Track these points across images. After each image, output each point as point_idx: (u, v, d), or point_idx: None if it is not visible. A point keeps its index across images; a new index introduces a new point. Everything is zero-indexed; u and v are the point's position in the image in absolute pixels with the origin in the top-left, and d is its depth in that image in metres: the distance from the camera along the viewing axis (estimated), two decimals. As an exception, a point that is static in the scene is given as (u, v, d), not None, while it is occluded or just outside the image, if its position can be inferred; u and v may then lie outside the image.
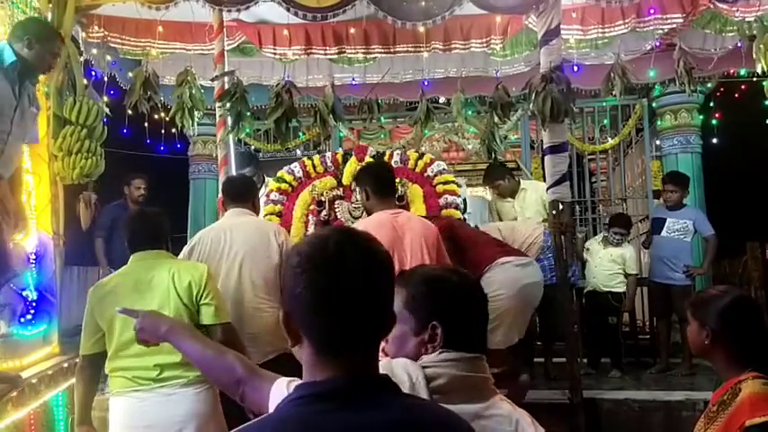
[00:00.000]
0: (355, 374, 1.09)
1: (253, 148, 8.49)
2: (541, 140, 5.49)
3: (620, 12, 5.35)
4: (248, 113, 5.32)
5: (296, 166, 5.03)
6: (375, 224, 3.41)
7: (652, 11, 5.25)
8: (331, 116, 5.60)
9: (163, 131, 6.69)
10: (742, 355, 2.03)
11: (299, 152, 8.58)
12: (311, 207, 4.92)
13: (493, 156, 5.47)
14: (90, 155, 4.27)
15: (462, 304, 1.54)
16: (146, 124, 6.19)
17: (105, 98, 5.05)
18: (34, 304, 3.59)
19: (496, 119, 5.62)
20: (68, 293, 4.19)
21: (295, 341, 1.12)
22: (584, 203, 8.49)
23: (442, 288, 1.55)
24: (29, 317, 3.54)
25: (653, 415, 4.29)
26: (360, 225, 3.54)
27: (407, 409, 1.11)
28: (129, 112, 5.46)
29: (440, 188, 4.84)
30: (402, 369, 1.44)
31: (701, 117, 7.95)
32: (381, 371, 1.41)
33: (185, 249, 3.58)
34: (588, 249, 5.94)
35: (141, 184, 6.03)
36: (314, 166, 5.01)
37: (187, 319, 2.79)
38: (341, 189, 4.94)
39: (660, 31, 5.58)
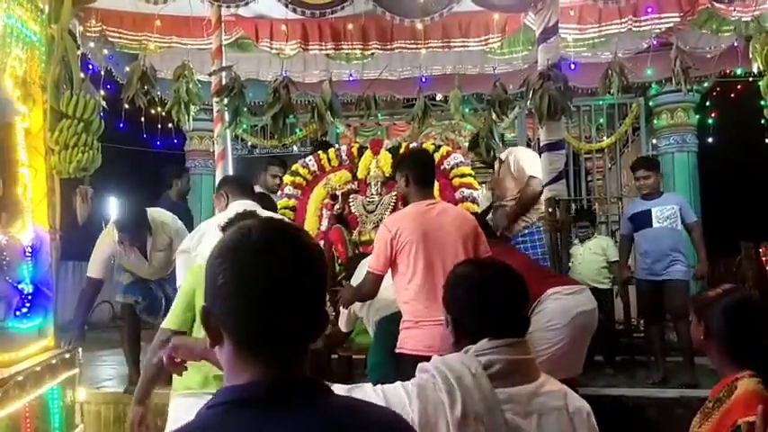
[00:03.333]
0: (279, 376, 0.98)
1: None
2: (538, 138, 5.50)
3: (617, 11, 5.37)
4: (246, 109, 5.32)
5: (310, 160, 5.01)
6: (408, 217, 3.35)
7: (649, 10, 5.28)
8: (328, 112, 5.60)
9: (159, 126, 6.67)
10: (737, 355, 2.05)
11: (295, 148, 8.58)
12: (325, 201, 4.90)
13: (492, 154, 5.47)
14: (87, 149, 4.26)
15: (477, 296, 1.66)
16: (142, 119, 6.18)
17: (102, 92, 5.03)
18: (30, 297, 3.57)
19: (494, 116, 5.63)
20: (63, 288, 4.18)
21: (215, 340, 1.02)
22: (579, 202, 8.50)
23: (455, 283, 1.71)
24: (24, 310, 3.53)
25: (647, 412, 4.31)
26: (393, 219, 3.46)
27: (338, 413, 1.01)
28: (126, 106, 5.45)
29: (456, 181, 4.83)
30: (459, 362, 1.54)
31: (698, 116, 7.98)
32: (437, 365, 1.52)
33: (187, 242, 3.50)
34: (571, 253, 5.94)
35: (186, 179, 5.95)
36: (329, 160, 4.99)
37: None
38: (355, 183, 4.91)
39: (657, 30, 5.60)
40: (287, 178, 5.03)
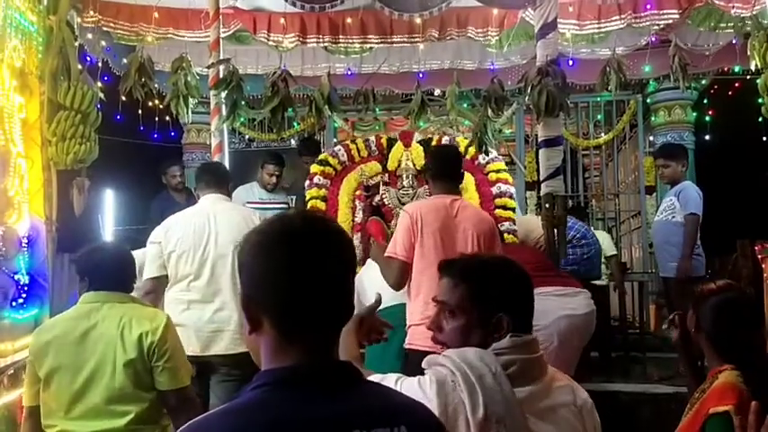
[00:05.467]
0: (318, 361, 1.05)
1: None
2: (536, 135, 5.50)
3: (616, 7, 5.36)
4: (243, 102, 5.31)
5: (340, 149, 5.01)
6: (429, 206, 3.35)
7: (648, 6, 5.27)
8: (326, 106, 5.59)
9: (157, 119, 6.65)
10: (722, 351, 2.12)
11: (293, 142, 8.56)
12: (357, 192, 4.87)
13: (484, 149, 5.46)
14: (84, 140, 4.24)
15: (522, 293, 1.64)
16: (140, 111, 6.16)
17: (99, 84, 5.01)
18: (26, 288, 3.58)
19: (490, 112, 5.61)
20: (59, 280, 4.17)
21: (254, 326, 1.08)
22: (576, 198, 8.51)
23: (504, 280, 1.64)
24: (20, 301, 3.53)
25: (642, 407, 4.34)
26: (414, 205, 3.47)
27: (372, 398, 1.09)
28: (123, 98, 5.42)
29: (492, 176, 4.83)
30: (478, 360, 1.49)
31: (695, 114, 7.99)
32: (455, 360, 1.50)
33: (158, 231, 3.55)
34: None
35: (177, 172, 6.20)
36: (358, 150, 4.97)
37: (131, 383, 2.41)
38: (386, 175, 4.90)
39: (656, 27, 5.59)
40: (315, 167, 4.98)
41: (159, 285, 3.52)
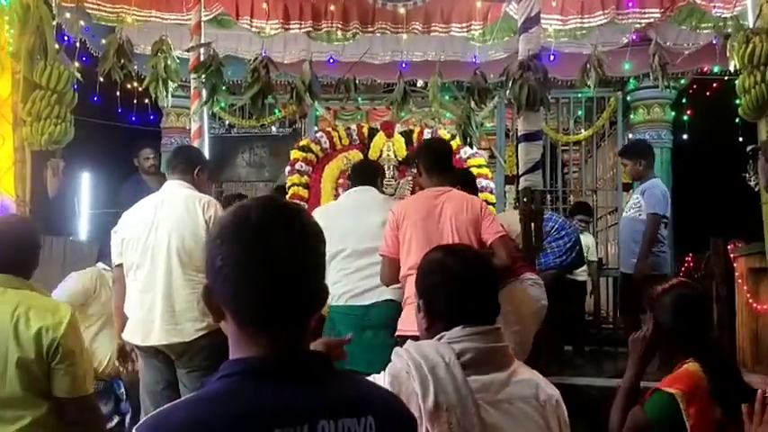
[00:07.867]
0: (285, 351, 1.04)
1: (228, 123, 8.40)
2: (516, 129, 5.52)
3: (599, 3, 5.38)
4: (224, 87, 5.26)
5: (322, 136, 5.00)
6: (411, 201, 3.52)
7: (630, 4, 5.30)
8: (307, 94, 5.55)
9: (135, 102, 6.57)
10: (685, 345, 2.23)
11: (274, 129, 8.51)
12: (340, 180, 4.86)
13: (468, 141, 5.44)
14: (59, 121, 4.18)
15: (451, 283, 1.66)
16: (118, 93, 6.08)
17: (77, 64, 4.94)
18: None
19: (473, 105, 5.62)
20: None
21: (217, 317, 1.08)
22: (555, 193, 8.57)
23: (425, 268, 1.73)
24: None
25: (610, 402, 4.38)
26: (401, 204, 3.58)
27: (343, 387, 1.08)
28: (101, 79, 5.35)
29: (474, 171, 4.83)
30: (434, 351, 1.55)
31: (673, 113, 8.07)
32: (411, 352, 1.54)
33: (121, 218, 3.59)
34: None
35: (150, 154, 6.03)
36: (340, 138, 4.95)
37: (23, 387, 2.05)
38: None
39: (638, 25, 5.63)
40: (297, 154, 4.96)
41: (122, 273, 3.46)
